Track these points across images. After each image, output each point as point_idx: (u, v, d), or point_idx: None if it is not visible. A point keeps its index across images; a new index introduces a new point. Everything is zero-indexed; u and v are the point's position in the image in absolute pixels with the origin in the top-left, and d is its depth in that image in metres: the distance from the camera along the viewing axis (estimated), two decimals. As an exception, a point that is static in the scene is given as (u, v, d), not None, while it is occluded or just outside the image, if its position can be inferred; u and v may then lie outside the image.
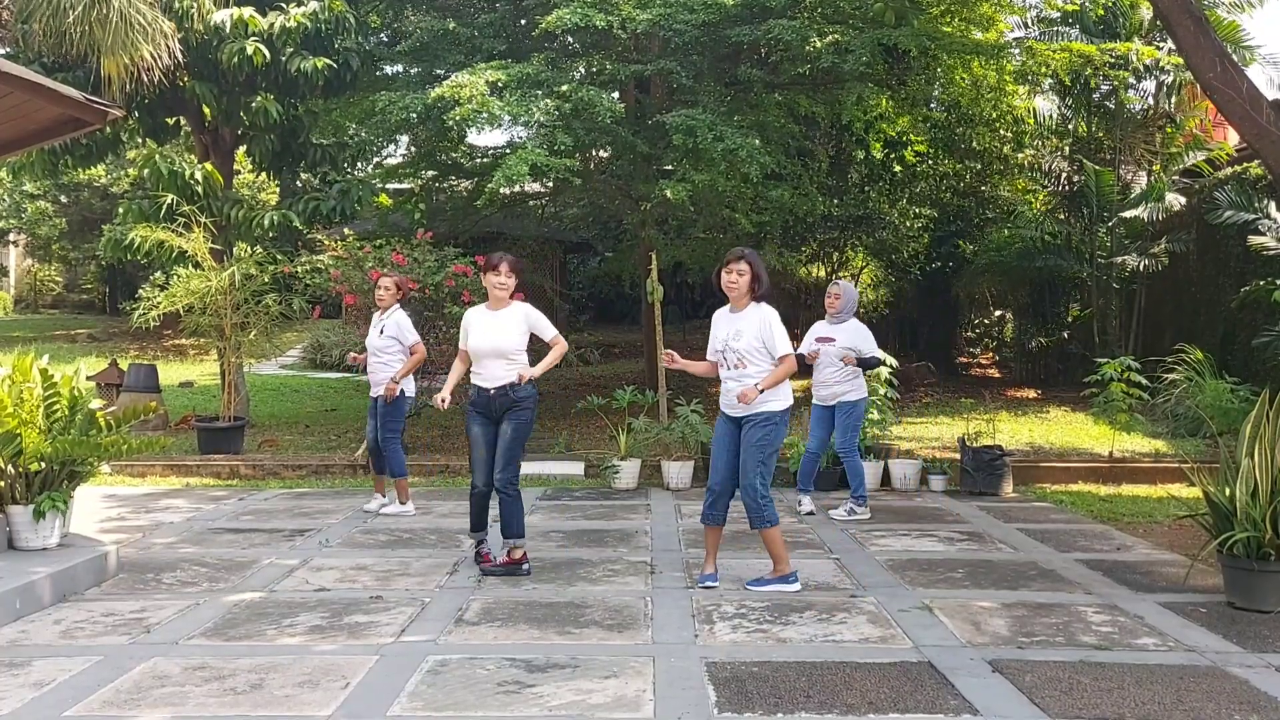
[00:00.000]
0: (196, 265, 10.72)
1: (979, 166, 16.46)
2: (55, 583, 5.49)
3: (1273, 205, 11.61)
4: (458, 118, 10.36)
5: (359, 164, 14.57)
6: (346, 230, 16.74)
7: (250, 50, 10.62)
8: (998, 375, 18.07)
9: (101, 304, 28.83)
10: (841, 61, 11.10)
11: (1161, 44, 13.93)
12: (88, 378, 11.17)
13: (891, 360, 9.52)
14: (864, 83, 11.94)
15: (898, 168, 16.67)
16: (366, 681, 4.25)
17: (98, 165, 16.83)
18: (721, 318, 5.85)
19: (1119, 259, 14.22)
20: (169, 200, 11.10)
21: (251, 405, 12.83)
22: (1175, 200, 13.75)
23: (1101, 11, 14.49)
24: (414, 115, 10.92)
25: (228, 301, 10.62)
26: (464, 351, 6.21)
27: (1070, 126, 15.75)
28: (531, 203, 16.25)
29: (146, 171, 11.28)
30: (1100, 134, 15.49)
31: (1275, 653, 4.64)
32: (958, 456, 9.19)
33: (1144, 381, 9.30)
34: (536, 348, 6.32)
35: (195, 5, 10.54)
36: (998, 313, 19.59)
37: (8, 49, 11.73)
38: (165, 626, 5.02)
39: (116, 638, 4.85)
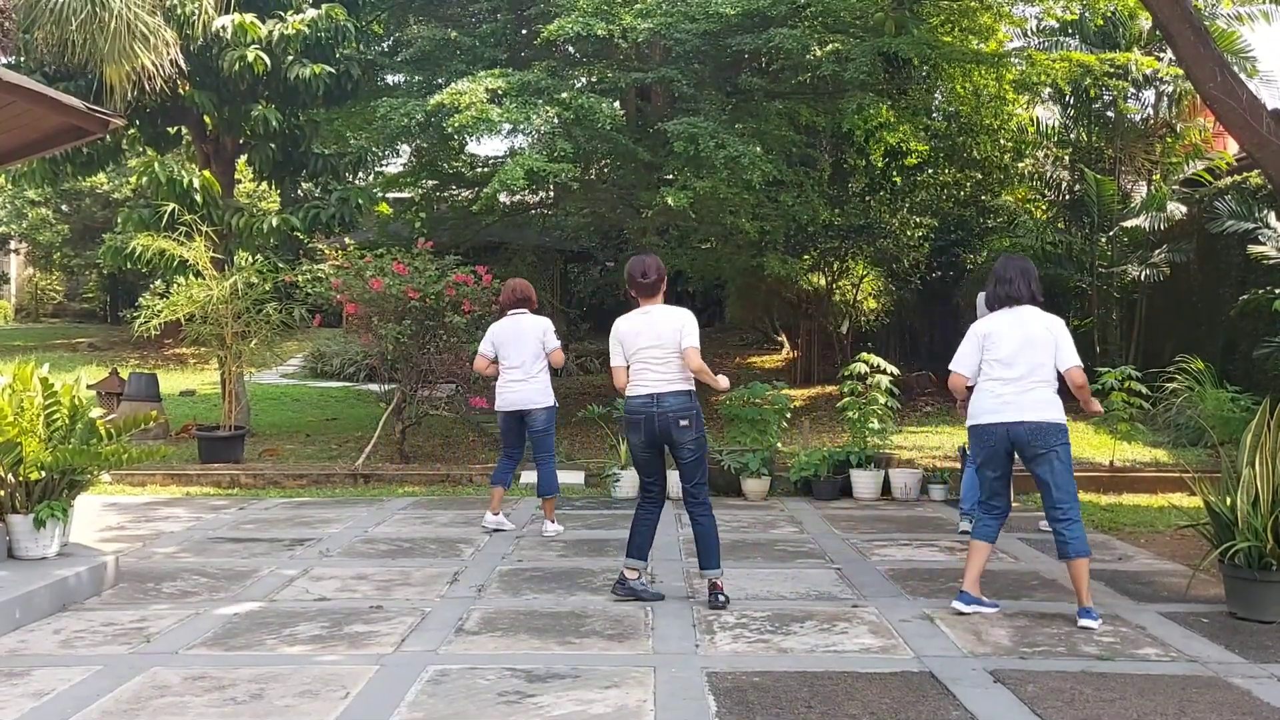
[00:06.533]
0: (198, 274, 10.73)
1: (980, 175, 16.47)
2: (55, 592, 5.48)
3: (1273, 214, 11.62)
4: (457, 125, 10.38)
5: (360, 173, 14.60)
6: (348, 239, 16.77)
7: (251, 58, 10.65)
8: (999, 384, 18.00)
9: (102, 313, 28.84)
10: (842, 70, 11.15)
11: (1161, 54, 13.94)
12: (88, 386, 11.19)
13: (892, 369, 9.53)
14: (865, 92, 11.97)
15: (898, 177, 16.69)
16: (367, 691, 4.23)
17: (99, 173, 16.86)
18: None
19: (1120, 268, 14.22)
20: (170, 209, 11.12)
21: (252, 414, 12.83)
22: (1176, 210, 13.74)
23: (1101, 22, 14.51)
24: (415, 122, 10.95)
25: (229, 310, 10.63)
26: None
27: (1071, 136, 15.77)
28: (533, 212, 16.28)
29: (145, 179, 11.30)
30: (1100, 143, 15.50)
31: (1278, 663, 4.63)
32: (959, 466, 9.17)
33: (1145, 391, 9.28)
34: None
35: (198, 11, 10.57)
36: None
37: (10, 58, 11.77)
38: (165, 636, 5.01)
39: (116, 647, 4.84)
